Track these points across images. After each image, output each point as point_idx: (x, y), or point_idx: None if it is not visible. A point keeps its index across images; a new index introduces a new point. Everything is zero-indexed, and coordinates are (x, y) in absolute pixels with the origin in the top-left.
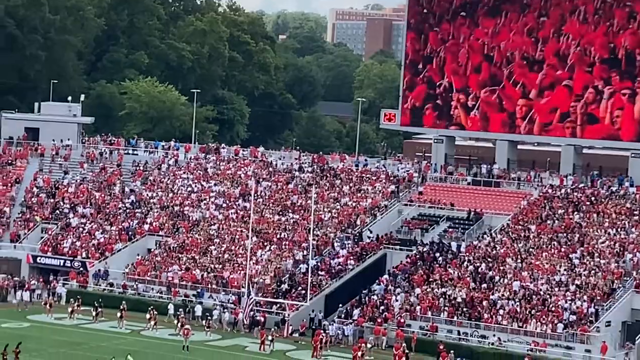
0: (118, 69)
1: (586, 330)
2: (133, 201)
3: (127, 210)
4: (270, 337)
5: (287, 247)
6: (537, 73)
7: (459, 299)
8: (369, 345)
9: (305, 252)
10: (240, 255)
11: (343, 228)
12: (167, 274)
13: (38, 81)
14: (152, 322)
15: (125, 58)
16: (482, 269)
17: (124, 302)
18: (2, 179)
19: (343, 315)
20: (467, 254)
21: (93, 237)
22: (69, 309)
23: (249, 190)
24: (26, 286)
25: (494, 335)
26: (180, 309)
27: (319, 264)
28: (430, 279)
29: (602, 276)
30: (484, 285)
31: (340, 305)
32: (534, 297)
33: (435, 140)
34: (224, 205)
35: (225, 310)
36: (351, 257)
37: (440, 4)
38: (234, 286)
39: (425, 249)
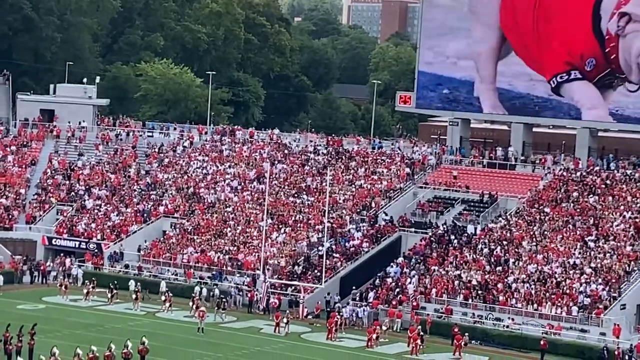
0: (134, 51)
1: (601, 313)
2: (148, 183)
3: (142, 192)
4: (285, 320)
5: (302, 229)
6: None
7: (474, 282)
8: (384, 328)
9: (320, 235)
10: (255, 238)
11: (358, 210)
12: (182, 256)
13: (54, 63)
14: (167, 304)
15: (141, 40)
16: (497, 251)
17: (138, 283)
18: (17, 160)
19: (358, 298)
20: (482, 236)
21: (108, 219)
22: (84, 291)
23: (264, 172)
24: (42, 267)
25: (509, 318)
26: (195, 291)
27: (333, 246)
28: (445, 262)
29: (617, 259)
30: (499, 268)
31: (355, 287)
32: (548, 280)
33: (451, 123)
34: (239, 187)
35: (240, 292)
36: (366, 240)
37: None
38: (249, 268)
39: (440, 232)
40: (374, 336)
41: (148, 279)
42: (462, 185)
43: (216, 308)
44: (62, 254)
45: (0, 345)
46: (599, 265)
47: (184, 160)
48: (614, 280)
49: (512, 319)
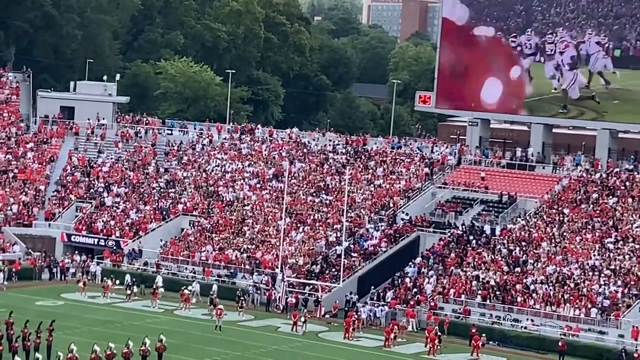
0: (154, 49)
1: (619, 315)
2: (167, 181)
3: (161, 190)
4: (302, 318)
5: (320, 228)
6: None
7: (492, 283)
8: (408, 327)
9: (338, 234)
10: (273, 236)
11: (377, 210)
12: (200, 254)
13: (74, 60)
14: (185, 302)
15: (161, 38)
16: (515, 252)
17: (160, 279)
18: (37, 157)
19: (375, 297)
20: (501, 237)
21: (127, 216)
22: (108, 286)
23: (283, 171)
24: (61, 264)
25: (527, 319)
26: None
27: (352, 245)
28: (464, 262)
29: (637, 261)
30: (518, 268)
31: (373, 287)
32: (567, 281)
33: (470, 123)
34: (258, 185)
35: (258, 290)
36: (384, 239)
37: None
38: (268, 267)
39: (458, 232)
40: (392, 336)
41: (166, 277)
42: (481, 185)
43: (209, 304)
44: (75, 251)
45: (18, 342)
46: (617, 267)
47: (203, 159)
48: (632, 282)
49: (532, 320)
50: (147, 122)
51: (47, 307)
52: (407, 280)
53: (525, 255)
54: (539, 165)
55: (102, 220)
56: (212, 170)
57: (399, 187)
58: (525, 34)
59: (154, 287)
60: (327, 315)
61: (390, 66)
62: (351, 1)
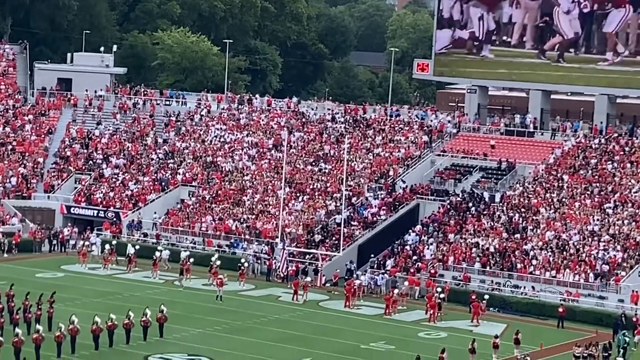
0: (150, 19)
1: (619, 280)
2: (166, 152)
3: (160, 161)
4: (303, 287)
5: (319, 197)
6: None
7: (492, 249)
8: (396, 291)
9: (338, 203)
10: (273, 206)
11: (376, 178)
12: (200, 225)
13: (71, 31)
14: (186, 273)
15: (158, 8)
16: (515, 219)
17: (157, 252)
18: (35, 129)
19: (375, 266)
20: (500, 204)
21: (126, 187)
22: (103, 259)
23: (282, 140)
24: (61, 236)
25: (524, 287)
26: (214, 258)
27: (351, 214)
28: (463, 229)
29: (636, 226)
30: (517, 235)
31: (373, 255)
32: (566, 247)
33: (469, 90)
34: (257, 155)
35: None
36: (384, 208)
37: None
38: (268, 237)
39: (458, 199)
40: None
41: (166, 248)
42: (480, 152)
43: (179, 274)
44: (69, 223)
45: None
46: (617, 232)
47: (201, 129)
48: (632, 247)
49: (533, 287)
50: (145, 92)
51: (47, 279)
52: (407, 248)
53: (524, 222)
54: (537, 132)
55: (101, 192)
56: (211, 141)
57: (398, 155)
58: None
59: (154, 257)
60: (327, 284)
61: (388, 34)
62: None
